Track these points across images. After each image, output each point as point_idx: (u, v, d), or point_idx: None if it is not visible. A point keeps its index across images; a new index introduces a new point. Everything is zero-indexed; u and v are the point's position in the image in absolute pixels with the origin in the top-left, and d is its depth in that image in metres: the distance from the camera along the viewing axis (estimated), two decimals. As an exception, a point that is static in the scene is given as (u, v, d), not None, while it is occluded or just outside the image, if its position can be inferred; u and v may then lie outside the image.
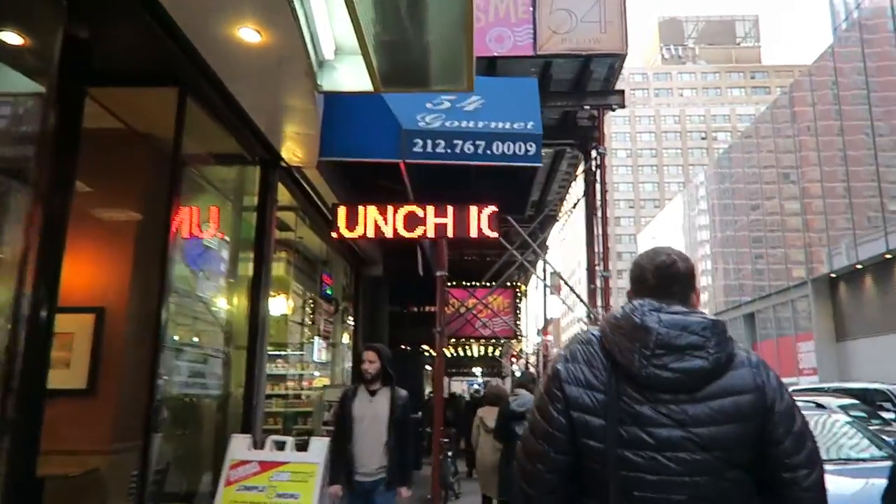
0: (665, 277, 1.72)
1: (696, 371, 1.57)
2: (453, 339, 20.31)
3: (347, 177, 6.92)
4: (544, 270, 15.88)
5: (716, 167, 49.21)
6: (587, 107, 8.87)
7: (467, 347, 22.37)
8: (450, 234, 6.00)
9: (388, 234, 5.96)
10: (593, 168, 9.36)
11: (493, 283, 18.85)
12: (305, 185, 6.15)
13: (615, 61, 8.50)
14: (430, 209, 5.98)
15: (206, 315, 5.25)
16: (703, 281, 51.57)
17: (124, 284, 4.51)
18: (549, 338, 15.39)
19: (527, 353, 21.91)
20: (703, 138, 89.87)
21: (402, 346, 15.39)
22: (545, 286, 15.64)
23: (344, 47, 3.87)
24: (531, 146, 5.47)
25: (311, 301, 8.46)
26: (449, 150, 5.47)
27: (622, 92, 8.96)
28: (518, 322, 18.57)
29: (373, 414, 4.53)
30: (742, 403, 1.57)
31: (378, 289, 11.52)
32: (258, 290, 5.28)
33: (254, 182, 5.45)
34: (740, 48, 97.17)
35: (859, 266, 27.07)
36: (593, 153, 9.10)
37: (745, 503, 1.59)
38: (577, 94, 8.91)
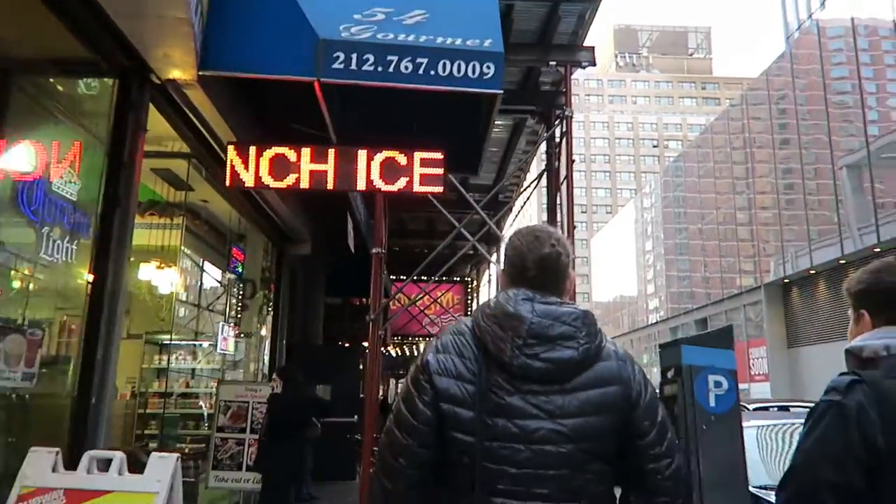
0: (547, 270, 1.64)
1: (566, 361, 1.56)
2: (398, 337, 18.90)
3: (250, 113, 5.46)
4: (497, 262, 14.62)
5: (665, 175, 49.85)
6: (553, 63, 7.64)
7: (413, 346, 20.98)
8: (382, 185, 4.64)
9: (304, 183, 4.55)
10: (558, 135, 8.15)
11: (444, 278, 17.68)
12: (193, 118, 4.68)
13: (587, 10, 7.30)
14: (362, 154, 4.60)
15: (43, 281, 3.77)
16: (651, 287, 51.82)
17: None
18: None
19: None
20: (654, 146, 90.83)
21: (340, 343, 13.94)
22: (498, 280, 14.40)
23: None
24: (488, 67, 4.15)
25: (215, 280, 6.95)
26: (381, 69, 4.10)
27: (592, 49, 7.78)
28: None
29: None
30: (609, 395, 1.57)
31: (311, 276, 10.06)
32: (107, 250, 3.81)
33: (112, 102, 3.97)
34: (692, 59, 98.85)
35: (813, 271, 26.79)
36: (558, 118, 7.87)
37: (605, 495, 1.60)
38: (541, 47, 7.68)
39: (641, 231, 55.49)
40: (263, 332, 8.07)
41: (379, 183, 4.55)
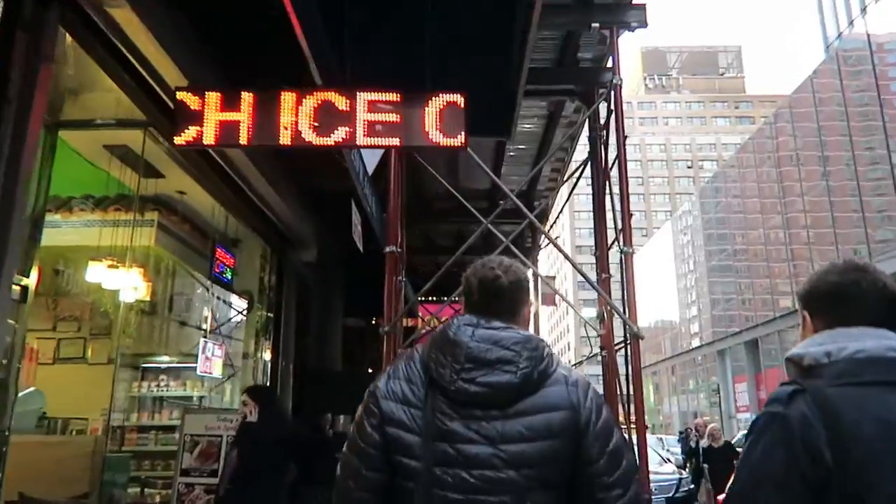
0: (487, 292, 1.66)
1: (503, 386, 1.53)
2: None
3: (210, 55, 4.28)
4: (535, 277, 13.27)
5: (702, 196, 49.16)
6: (595, 25, 6.42)
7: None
8: (394, 140, 3.43)
9: (286, 138, 3.35)
10: (603, 114, 6.91)
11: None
12: (128, 55, 3.53)
13: (635, -42, 6.12)
14: (362, 98, 3.39)
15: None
16: (693, 310, 50.04)
17: None
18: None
19: None
20: (689, 167, 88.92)
21: (362, 368, 12.68)
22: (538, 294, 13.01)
23: None
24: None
25: (199, 289, 5.80)
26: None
27: (643, 7, 6.55)
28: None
29: None
30: (553, 421, 1.53)
31: (325, 290, 8.87)
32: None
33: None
34: (724, 78, 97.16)
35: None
36: (604, 92, 6.62)
37: None
38: (581, 8, 6.49)
39: (680, 253, 53.80)
40: (266, 355, 6.85)
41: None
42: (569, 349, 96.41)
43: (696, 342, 48.89)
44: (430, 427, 1.51)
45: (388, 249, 5.75)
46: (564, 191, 12.15)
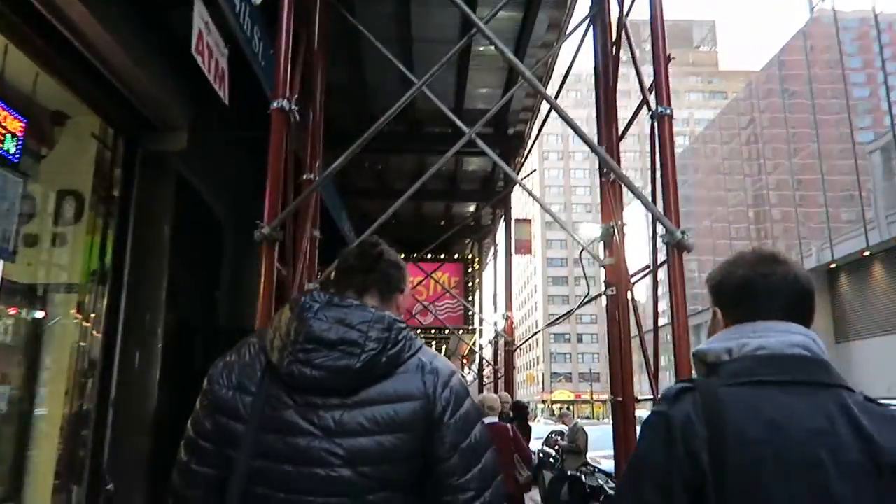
0: (360, 261, 1.52)
1: (342, 370, 1.33)
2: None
3: None
4: (508, 230, 11.04)
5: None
6: None
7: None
8: None
9: None
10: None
11: (444, 257, 14.05)
12: None
13: None
14: None
15: None
16: (660, 289, 49.60)
17: None
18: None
19: (484, 349, 16.32)
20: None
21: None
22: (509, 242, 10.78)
23: None
24: None
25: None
26: None
27: None
28: (471, 311, 13.74)
29: None
30: (400, 412, 1.34)
31: (235, 210, 6.63)
32: None
33: None
34: (698, 52, 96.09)
35: (867, 253, 23.25)
36: None
37: None
38: None
39: (649, 231, 53.03)
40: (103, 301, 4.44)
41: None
42: (536, 292, 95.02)
43: (663, 320, 48.01)
44: (257, 413, 1.32)
45: (274, 104, 3.46)
46: (553, 126, 9.81)
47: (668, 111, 3.73)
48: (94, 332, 4.17)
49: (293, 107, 3.48)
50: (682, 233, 3.43)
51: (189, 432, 1.40)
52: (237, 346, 1.47)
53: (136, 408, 4.41)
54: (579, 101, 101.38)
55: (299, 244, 4.18)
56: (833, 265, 25.41)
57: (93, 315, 4.17)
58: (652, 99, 3.84)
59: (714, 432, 1.11)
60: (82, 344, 4.13)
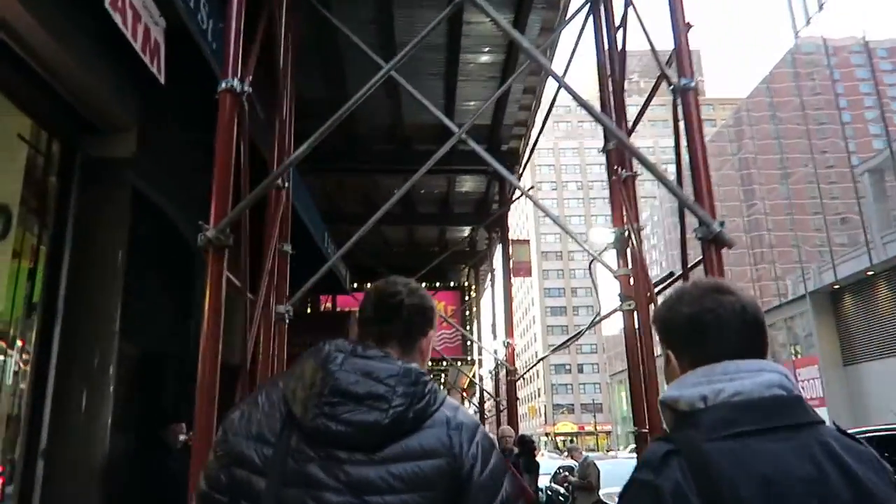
0: (382, 309, 1.46)
1: (370, 426, 1.28)
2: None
3: None
4: (505, 254, 10.42)
5: (662, 202, 50.41)
6: None
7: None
8: None
9: None
10: None
11: (439, 285, 13.39)
12: None
13: None
14: None
15: None
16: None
17: None
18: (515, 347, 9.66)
19: (484, 380, 15.41)
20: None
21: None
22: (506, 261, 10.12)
23: None
24: None
25: None
26: None
27: None
28: (469, 340, 13.04)
29: None
30: (425, 469, 1.29)
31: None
32: None
33: None
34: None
35: (871, 273, 22.69)
36: None
37: None
38: None
39: (648, 257, 52.95)
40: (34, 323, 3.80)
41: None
42: (534, 323, 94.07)
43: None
44: (279, 467, 1.28)
45: (223, 85, 2.89)
46: (549, 130, 9.29)
47: (692, 83, 3.17)
48: (23, 367, 3.51)
49: (246, 88, 2.89)
50: (721, 224, 2.83)
51: (201, 486, 1.35)
52: (251, 394, 1.43)
53: (77, 456, 3.73)
54: (569, 133, 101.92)
55: (265, 258, 3.56)
56: (836, 286, 24.81)
57: (19, 348, 3.51)
58: (671, 72, 3.28)
59: (710, 500, 1.04)
60: (6, 383, 3.47)
